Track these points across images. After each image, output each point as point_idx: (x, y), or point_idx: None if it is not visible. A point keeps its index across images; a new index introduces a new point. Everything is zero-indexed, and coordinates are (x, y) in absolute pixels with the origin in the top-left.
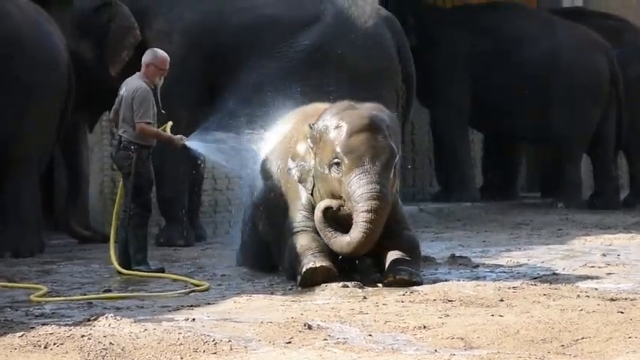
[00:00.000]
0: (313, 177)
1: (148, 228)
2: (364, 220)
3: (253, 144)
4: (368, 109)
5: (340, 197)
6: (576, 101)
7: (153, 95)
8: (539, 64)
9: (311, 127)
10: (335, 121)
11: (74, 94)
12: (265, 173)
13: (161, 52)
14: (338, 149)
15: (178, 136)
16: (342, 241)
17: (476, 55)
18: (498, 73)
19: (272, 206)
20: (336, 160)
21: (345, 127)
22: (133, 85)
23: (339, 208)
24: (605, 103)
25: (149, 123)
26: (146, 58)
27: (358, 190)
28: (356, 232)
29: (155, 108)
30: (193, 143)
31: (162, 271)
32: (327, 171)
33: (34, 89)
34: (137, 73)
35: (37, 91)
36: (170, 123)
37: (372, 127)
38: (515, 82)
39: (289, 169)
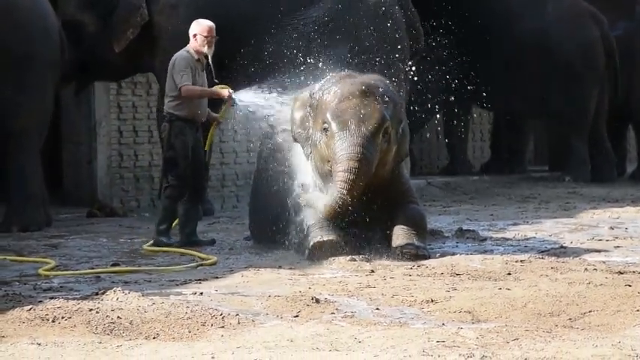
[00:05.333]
0: (310, 144)
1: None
2: (340, 179)
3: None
4: (364, 77)
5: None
6: (571, 76)
7: (204, 65)
8: (530, 40)
9: (311, 96)
10: (330, 89)
11: (66, 64)
12: (274, 145)
13: (204, 21)
14: (327, 115)
15: (225, 89)
16: (320, 203)
17: (468, 32)
18: (491, 50)
19: (280, 179)
20: (325, 126)
21: (336, 94)
22: (175, 55)
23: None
24: (601, 76)
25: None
26: (190, 30)
27: (339, 152)
28: (332, 193)
29: (202, 77)
30: (240, 94)
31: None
32: (318, 137)
33: (29, 61)
34: (187, 46)
35: (32, 63)
36: (224, 86)
37: (362, 93)
38: (508, 58)
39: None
